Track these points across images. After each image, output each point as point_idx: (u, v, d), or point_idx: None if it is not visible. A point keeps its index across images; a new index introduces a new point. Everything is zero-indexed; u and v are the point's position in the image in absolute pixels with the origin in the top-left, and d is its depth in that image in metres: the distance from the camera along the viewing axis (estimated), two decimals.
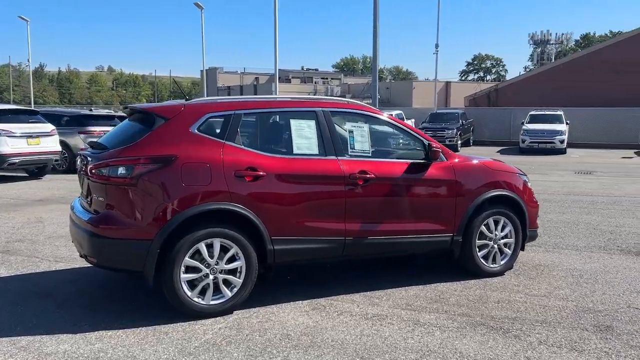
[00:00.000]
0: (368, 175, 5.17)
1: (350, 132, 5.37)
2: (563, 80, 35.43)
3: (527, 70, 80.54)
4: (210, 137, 4.79)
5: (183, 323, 4.53)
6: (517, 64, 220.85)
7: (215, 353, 3.99)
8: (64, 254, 6.70)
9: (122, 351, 4.01)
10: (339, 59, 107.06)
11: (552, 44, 71.70)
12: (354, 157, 5.25)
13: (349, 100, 5.64)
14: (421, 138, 5.63)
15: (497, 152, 25.38)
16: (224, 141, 4.80)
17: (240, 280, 4.75)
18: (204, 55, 37.98)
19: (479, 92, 43.47)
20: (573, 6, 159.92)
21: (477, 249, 5.78)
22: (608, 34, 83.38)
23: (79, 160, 5.37)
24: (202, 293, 4.64)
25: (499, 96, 39.62)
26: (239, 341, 4.20)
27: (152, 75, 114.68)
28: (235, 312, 4.76)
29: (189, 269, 4.58)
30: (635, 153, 25.05)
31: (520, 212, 5.97)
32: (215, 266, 4.65)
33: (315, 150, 5.12)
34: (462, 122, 27.37)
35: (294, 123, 5.16)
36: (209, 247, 4.62)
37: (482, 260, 5.82)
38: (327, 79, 76.45)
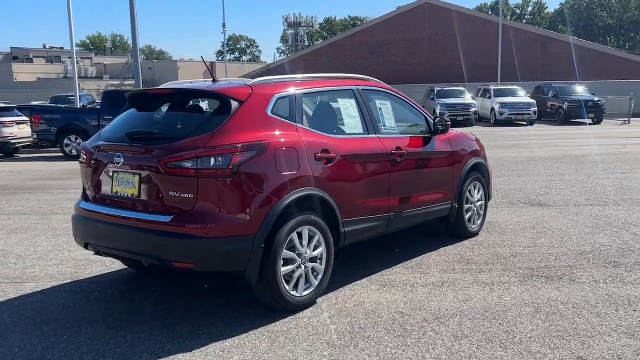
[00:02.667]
0: (402, 151, 5.33)
1: (379, 109, 5.44)
2: (328, 60, 38.55)
3: (281, 51, 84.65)
4: (284, 119, 4.45)
5: (284, 319, 4.22)
6: (270, 45, 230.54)
7: (368, 341, 3.84)
8: (17, 273, 5.50)
9: (273, 358, 3.62)
10: (83, 37, 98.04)
11: (303, 26, 76.22)
12: (388, 135, 5.36)
13: (369, 77, 5.65)
14: (424, 113, 5.96)
15: None
16: (295, 123, 4.51)
17: (323, 267, 4.57)
18: None
19: (252, 72, 44.54)
20: None
21: (465, 213, 6.37)
22: (347, 18, 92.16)
23: (96, 154, 4.47)
24: (295, 285, 4.36)
25: None
26: (370, 325, 4.09)
27: None
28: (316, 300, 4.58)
29: (285, 261, 4.26)
30: None
31: (486, 176, 6.73)
32: (305, 255, 4.40)
33: (360, 129, 5.10)
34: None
35: (341, 102, 5.05)
36: (299, 235, 4.35)
37: (467, 222, 6.43)
38: (76, 58, 69.80)
